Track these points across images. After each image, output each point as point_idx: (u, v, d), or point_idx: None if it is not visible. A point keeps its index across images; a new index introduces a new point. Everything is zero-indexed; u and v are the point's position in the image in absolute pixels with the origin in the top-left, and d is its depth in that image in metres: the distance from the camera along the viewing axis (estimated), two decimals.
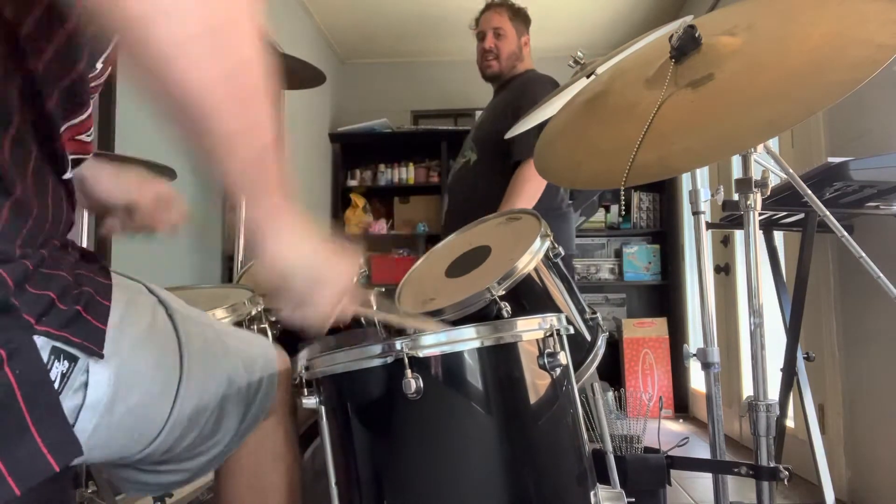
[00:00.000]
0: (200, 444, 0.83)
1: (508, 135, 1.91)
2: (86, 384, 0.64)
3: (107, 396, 0.66)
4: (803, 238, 2.01)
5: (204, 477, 0.89)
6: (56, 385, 0.60)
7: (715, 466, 1.33)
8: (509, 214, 1.27)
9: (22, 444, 0.55)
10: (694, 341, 4.31)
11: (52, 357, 0.60)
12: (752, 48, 0.99)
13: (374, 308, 1.13)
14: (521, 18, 2.49)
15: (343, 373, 0.86)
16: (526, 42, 2.48)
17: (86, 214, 1.73)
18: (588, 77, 1.45)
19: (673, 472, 1.49)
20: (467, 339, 0.83)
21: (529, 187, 2.19)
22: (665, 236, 4.71)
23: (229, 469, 0.90)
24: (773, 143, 1.80)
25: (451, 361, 0.83)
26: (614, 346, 4.47)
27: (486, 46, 2.45)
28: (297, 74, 2.08)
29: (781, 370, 2.01)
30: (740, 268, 3.39)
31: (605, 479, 1.16)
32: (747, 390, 2.85)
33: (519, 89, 2.37)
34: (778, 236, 2.26)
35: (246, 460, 0.90)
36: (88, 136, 0.72)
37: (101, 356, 0.64)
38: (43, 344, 0.59)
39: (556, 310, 1.07)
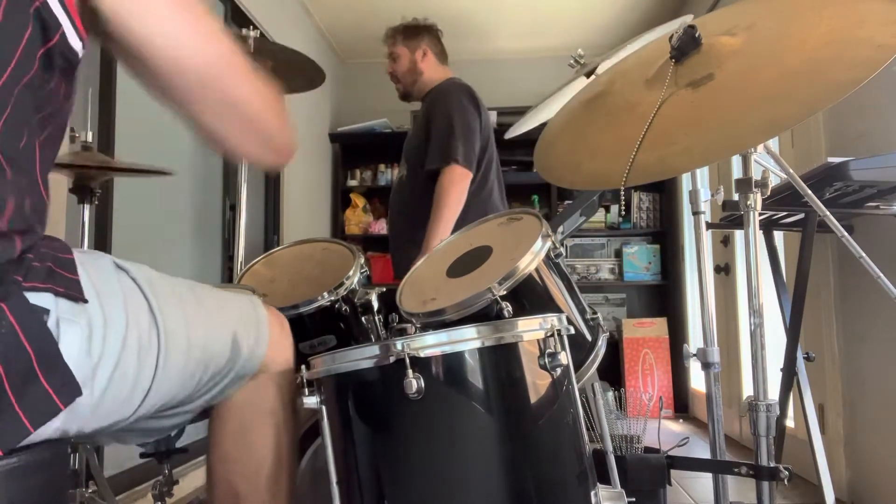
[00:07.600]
0: (196, 394, 0.84)
1: (508, 135, 1.90)
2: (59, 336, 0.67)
3: (84, 352, 0.68)
4: (803, 238, 2.01)
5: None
6: (55, 335, 0.65)
7: (715, 466, 1.33)
8: (510, 214, 1.26)
9: (32, 388, 0.61)
10: (694, 341, 4.31)
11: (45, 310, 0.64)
12: (752, 48, 0.99)
13: None
14: (410, 35, 2.50)
15: (344, 373, 0.86)
16: (424, 52, 2.48)
17: (86, 213, 1.73)
18: (588, 77, 1.46)
19: (673, 472, 1.50)
20: (468, 339, 0.83)
21: (453, 193, 2.16)
22: (665, 236, 4.71)
23: (218, 422, 0.91)
24: (773, 143, 1.79)
25: (452, 361, 0.83)
26: (614, 346, 4.47)
27: (387, 72, 2.54)
28: (298, 73, 2.07)
29: (781, 370, 2.01)
30: (740, 268, 3.39)
31: (605, 479, 1.16)
32: (747, 390, 2.85)
33: (431, 103, 2.37)
34: (778, 236, 2.26)
35: (235, 414, 0.90)
36: None
37: (86, 301, 0.68)
38: (33, 298, 0.63)
39: (557, 310, 1.07)
